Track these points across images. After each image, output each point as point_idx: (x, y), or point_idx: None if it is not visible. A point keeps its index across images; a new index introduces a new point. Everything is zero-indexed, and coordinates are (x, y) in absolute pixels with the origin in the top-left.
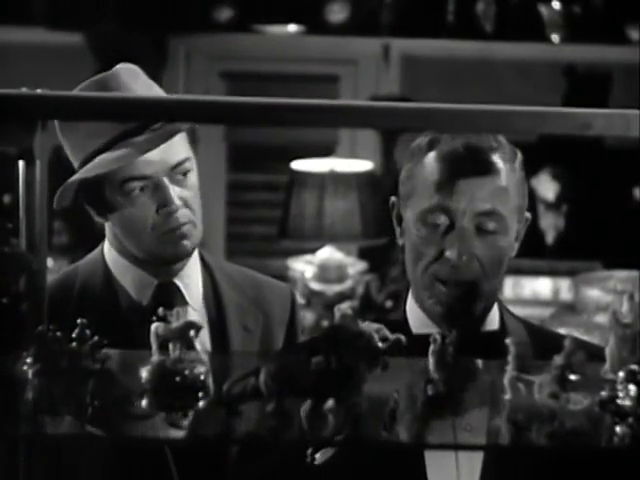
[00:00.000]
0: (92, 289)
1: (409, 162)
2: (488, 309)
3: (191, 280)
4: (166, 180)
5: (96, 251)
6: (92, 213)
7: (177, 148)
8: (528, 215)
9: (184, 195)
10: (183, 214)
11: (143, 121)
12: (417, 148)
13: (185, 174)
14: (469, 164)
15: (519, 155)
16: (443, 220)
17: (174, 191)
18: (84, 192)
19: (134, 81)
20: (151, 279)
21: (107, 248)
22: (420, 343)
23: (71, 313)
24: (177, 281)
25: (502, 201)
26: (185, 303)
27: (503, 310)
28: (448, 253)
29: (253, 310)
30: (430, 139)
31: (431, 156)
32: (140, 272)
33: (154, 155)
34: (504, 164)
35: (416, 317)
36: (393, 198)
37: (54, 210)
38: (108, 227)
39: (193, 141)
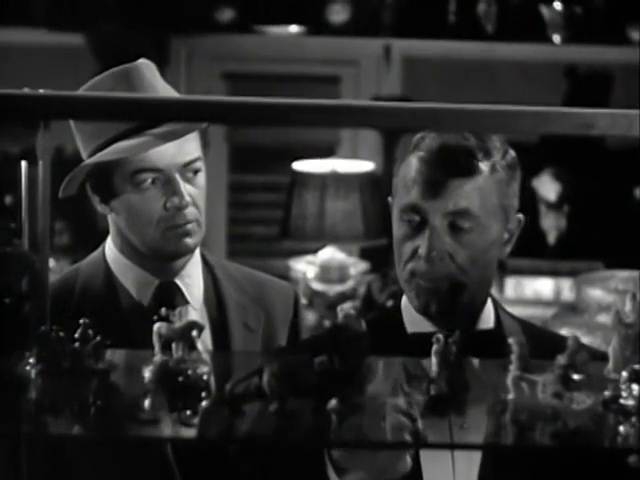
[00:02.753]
0: (93, 289)
1: (398, 160)
2: (478, 306)
3: (192, 279)
4: (177, 176)
5: (98, 251)
6: (96, 202)
7: (190, 147)
8: (521, 217)
9: (193, 193)
10: (190, 211)
11: (149, 120)
12: (406, 146)
13: (195, 173)
14: (444, 164)
15: (510, 155)
16: (417, 218)
17: (184, 187)
18: (93, 179)
19: (154, 77)
20: (152, 278)
21: (109, 247)
22: (415, 342)
23: (72, 313)
24: (178, 281)
25: (477, 201)
26: (186, 302)
27: (499, 308)
28: (420, 250)
29: (255, 309)
30: (418, 138)
31: (413, 156)
32: (141, 271)
33: (168, 150)
34: (484, 164)
35: (410, 315)
36: (389, 198)
37: (57, 206)
38: (111, 220)
39: (204, 144)
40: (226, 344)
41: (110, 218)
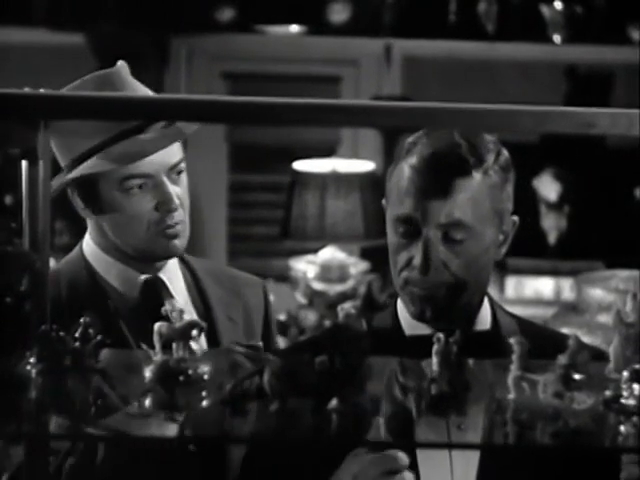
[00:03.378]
0: (77, 289)
1: (392, 164)
2: (474, 308)
3: (173, 274)
4: (165, 179)
5: (75, 252)
6: (79, 207)
7: (175, 148)
8: (515, 219)
9: (179, 194)
10: (179, 213)
11: (146, 120)
12: (401, 150)
13: (179, 174)
14: (436, 175)
15: (502, 156)
16: (410, 229)
17: (173, 190)
18: (78, 186)
19: (133, 80)
20: (137, 275)
21: (87, 245)
22: (413, 345)
23: (62, 312)
24: (162, 275)
25: (470, 210)
26: (171, 297)
27: (496, 308)
28: (414, 261)
29: (234, 301)
30: (410, 142)
31: (405, 162)
32: (125, 268)
33: (155, 154)
34: (475, 171)
35: (407, 318)
36: (383, 200)
37: (56, 206)
38: (92, 222)
39: (184, 143)
40: (215, 337)
41: (90, 221)
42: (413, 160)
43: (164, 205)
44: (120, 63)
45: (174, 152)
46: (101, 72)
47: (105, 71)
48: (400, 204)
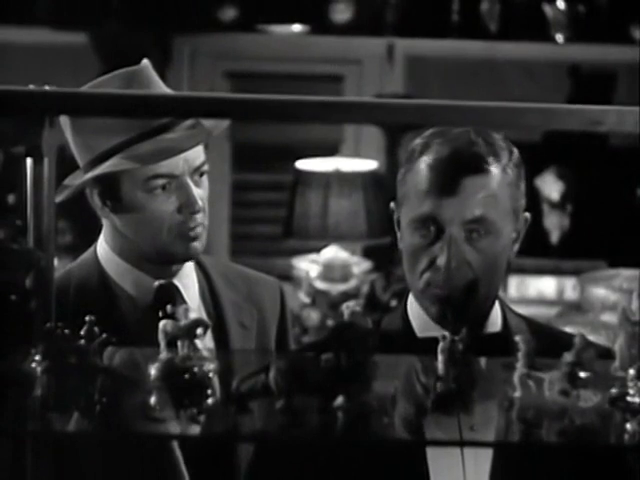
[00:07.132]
0: (88, 291)
1: (403, 166)
2: (487, 311)
3: (188, 280)
4: (189, 181)
5: (88, 253)
6: (98, 207)
7: (199, 150)
8: (527, 215)
9: (202, 196)
10: (200, 216)
11: (171, 118)
12: (411, 151)
13: (202, 176)
14: (457, 172)
15: (515, 154)
16: (433, 229)
17: (196, 192)
18: (100, 186)
19: (157, 79)
20: (150, 280)
21: (102, 249)
22: (425, 346)
23: (69, 316)
24: (176, 282)
25: (492, 207)
26: (184, 303)
27: (506, 310)
28: (439, 261)
29: (248, 307)
30: (423, 143)
31: (421, 162)
32: (140, 273)
33: (180, 155)
34: (494, 168)
35: (420, 320)
36: (392, 203)
37: (59, 205)
38: (108, 224)
39: (206, 146)
40: (225, 343)
41: (107, 221)
42: (430, 160)
43: (188, 207)
44: (145, 61)
45: (198, 154)
46: (126, 69)
47: (130, 69)
48: (420, 205)
